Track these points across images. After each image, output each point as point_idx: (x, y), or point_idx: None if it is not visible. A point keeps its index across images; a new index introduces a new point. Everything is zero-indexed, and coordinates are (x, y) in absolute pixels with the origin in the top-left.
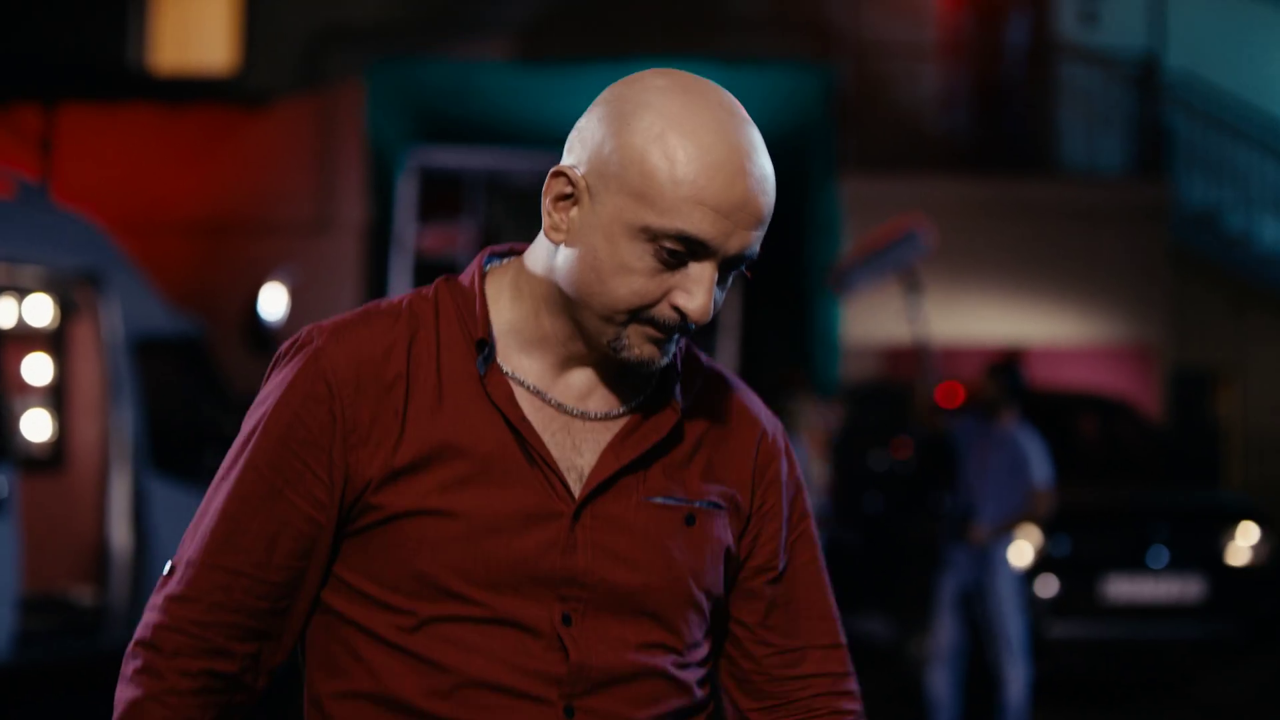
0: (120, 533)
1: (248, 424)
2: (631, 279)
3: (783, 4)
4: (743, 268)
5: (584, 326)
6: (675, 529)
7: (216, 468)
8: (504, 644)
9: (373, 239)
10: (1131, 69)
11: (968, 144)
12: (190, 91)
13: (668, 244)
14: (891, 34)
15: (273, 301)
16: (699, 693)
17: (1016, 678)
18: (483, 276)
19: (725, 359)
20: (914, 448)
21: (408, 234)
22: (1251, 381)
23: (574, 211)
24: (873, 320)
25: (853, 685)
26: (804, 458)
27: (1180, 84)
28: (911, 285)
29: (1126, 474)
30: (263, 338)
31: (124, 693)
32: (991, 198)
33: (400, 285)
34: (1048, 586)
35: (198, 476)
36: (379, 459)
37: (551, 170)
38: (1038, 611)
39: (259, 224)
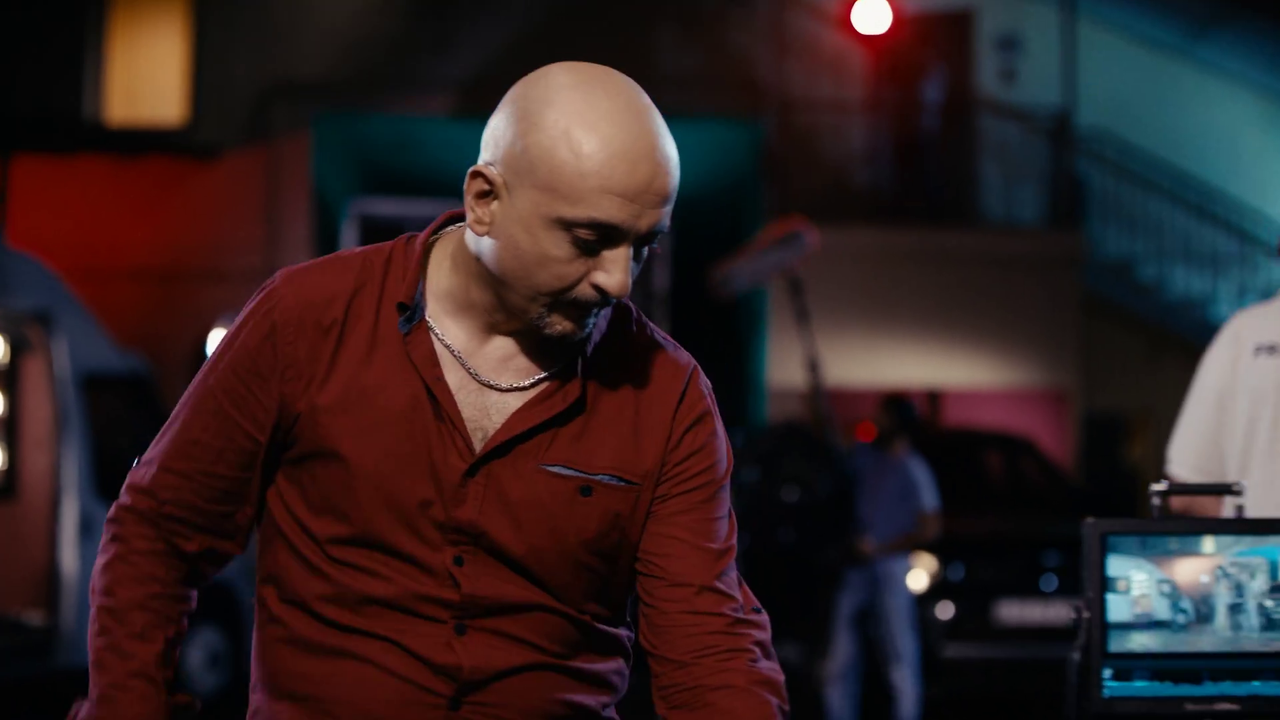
0: (69, 558)
1: (215, 350)
2: (552, 266)
3: (714, 63)
4: (653, 244)
5: (508, 304)
6: (568, 498)
7: None
8: (402, 573)
9: None
10: (1047, 123)
11: (890, 195)
12: (142, 143)
13: (582, 232)
14: (816, 91)
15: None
16: (602, 634)
17: (909, 691)
18: (431, 240)
19: None
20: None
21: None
22: (1163, 425)
23: (494, 206)
24: (794, 364)
25: (752, 627)
26: None
27: (1094, 138)
28: (793, 285)
29: (1026, 507)
30: None
31: (99, 560)
32: (912, 247)
33: None
34: (945, 610)
35: None
36: (307, 395)
37: (470, 170)
38: (935, 633)
39: (209, 271)
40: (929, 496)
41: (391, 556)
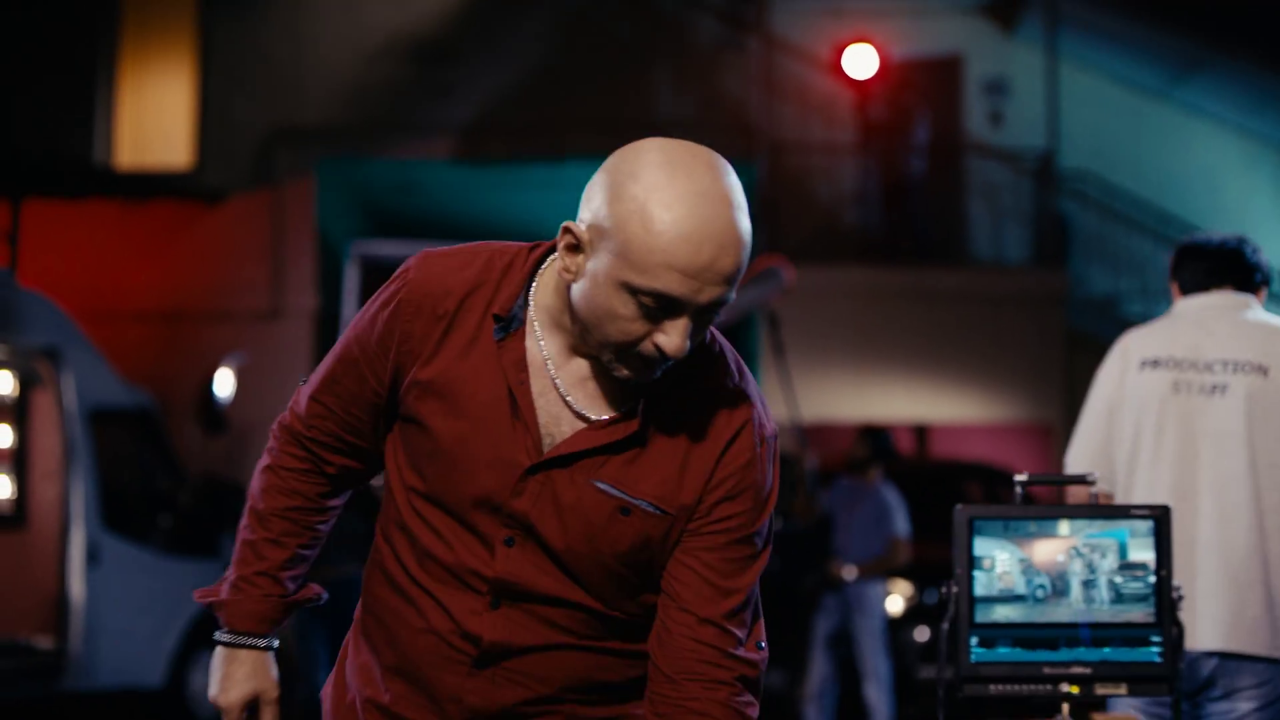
0: (77, 585)
1: (365, 308)
2: (619, 323)
3: (708, 106)
4: (717, 314)
5: (586, 341)
6: (609, 513)
7: (170, 530)
8: (460, 540)
9: (322, 325)
10: (1033, 164)
11: (879, 236)
12: (150, 188)
13: (646, 300)
14: (807, 134)
15: (224, 384)
16: (636, 625)
17: (882, 708)
18: (545, 256)
19: None
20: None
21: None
22: None
23: (579, 259)
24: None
25: (741, 664)
26: None
27: (1078, 179)
28: (770, 320)
29: None
30: (215, 417)
31: (259, 464)
32: (901, 285)
33: None
34: (920, 634)
35: (148, 536)
36: (414, 369)
37: (563, 224)
38: (911, 656)
39: (215, 312)
40: (901, 522)
41: (455, 522)
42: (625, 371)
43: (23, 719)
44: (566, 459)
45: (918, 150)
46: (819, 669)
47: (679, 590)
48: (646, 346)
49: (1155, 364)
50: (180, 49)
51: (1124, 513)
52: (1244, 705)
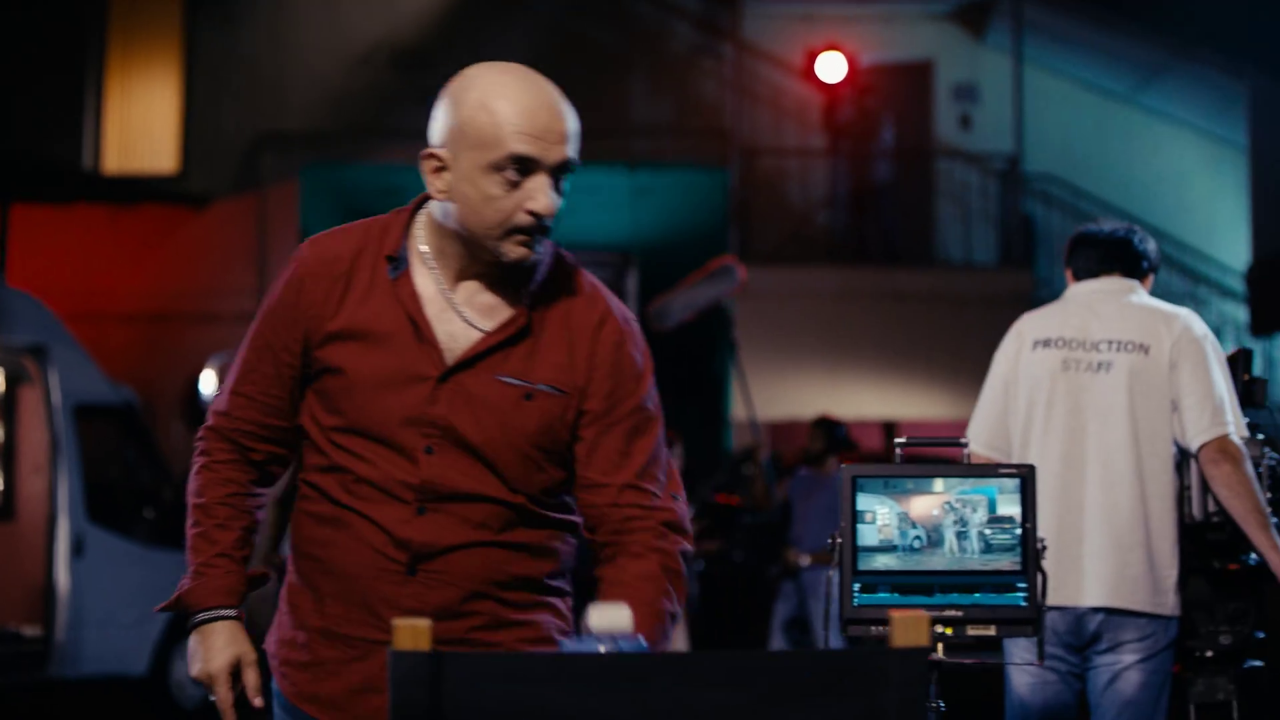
0: (63, 575)
1: (261, 307)
2: (494, 203)
3: (683, 112)
4: (567, 176)
5: (473, 246)
6: (515, 402)
7: (154, 522)
8: (386, 458)
9: None
10: (1000, 167)
11: (850, 238)
12: (137, 192)
13: (508, 172)
14: (781, 138)
15: (208, 383)
16: (543, 516)
17: None
18: (416, 209)
19: None
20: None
21: None
22: None
23: (445, 175)
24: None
25: (660, 511)
26: None
27: (1045, 182)
28: (722, 318)
29: None
30: (200, 415)
31: (191, 471)
32: (870, 286)
33: None
34: None
35: (132, 529)
36: (323, 326)
37: (422, 154)
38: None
39: (201, 314)
40: None
41: (378, 443)
42: (515, 253)
43: (11, 705)
44: (470, 361)
45: (884, 154)
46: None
47: (592, 469)
48: (521, 217)
49: (1047, 344)
50: (166, 57)
51: (993, 471)
52: (1128, 657)
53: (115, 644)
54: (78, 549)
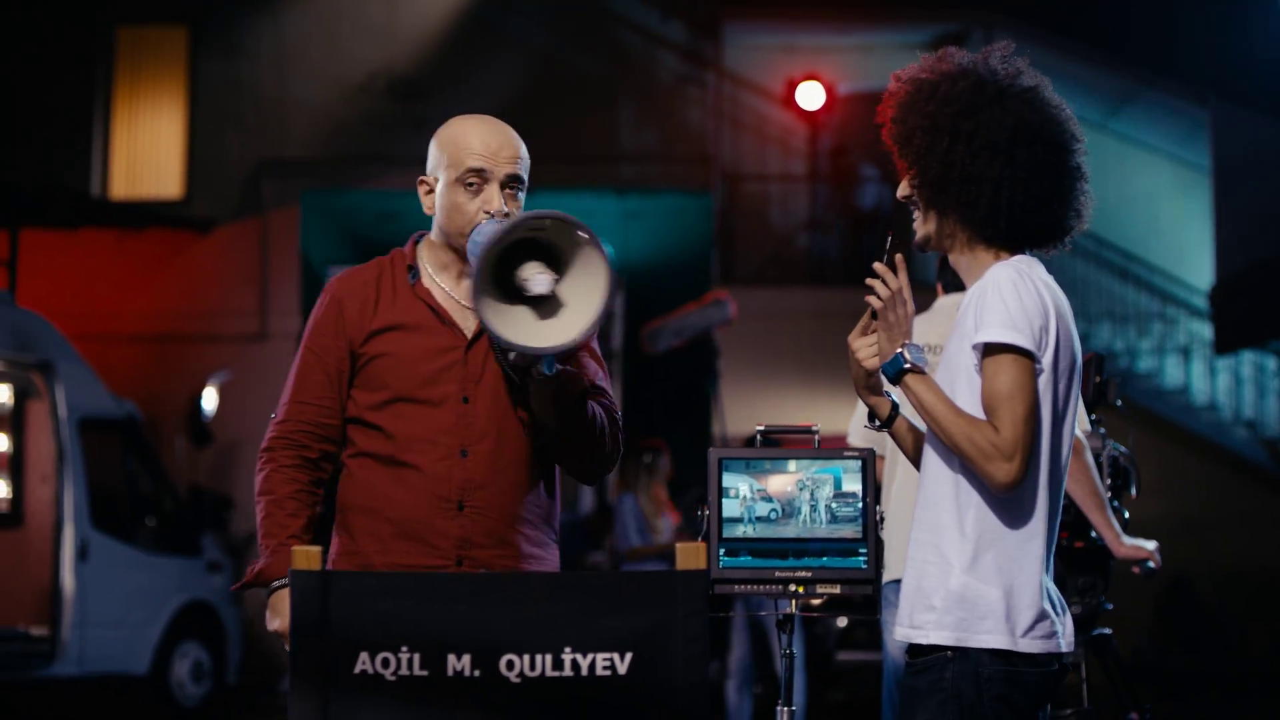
0: (69, 579)
1: (305, 334)
2: (461, 208)
3: (670, 140)
4: (520, 188)
5: (457, 252)
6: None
7: (157, 530)
8: (428, 415)
9: None
10: None
11: (830, 261)
12: (143, 217)
13: (467, 179)
14: (764, 164)
15: (210, 400)
16: (548, 463)
17: (798, 688)
18: (418, 242)
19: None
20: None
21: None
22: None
23: (431, 194)
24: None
25: (605, 405)
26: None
27: None
28: (709, 348)
29: None
30: (202, 430)
31: (257, 477)
32: (851, 308)
33: None
34: (839, 620)
35: (134, 536)
36: (364, 328)
37: (418, 180)
38: (831, 641)
39: (204, 335)
40: None
41: (421, 404)
42: None
43: (18, 701)
44: (479, 335)
45: (870, 180)
46: (738, 650)
47: None
48: (480, 216)
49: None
50: (172, 86)
51: (839, 454)
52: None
53: (118, 644)
54: (82, 554)
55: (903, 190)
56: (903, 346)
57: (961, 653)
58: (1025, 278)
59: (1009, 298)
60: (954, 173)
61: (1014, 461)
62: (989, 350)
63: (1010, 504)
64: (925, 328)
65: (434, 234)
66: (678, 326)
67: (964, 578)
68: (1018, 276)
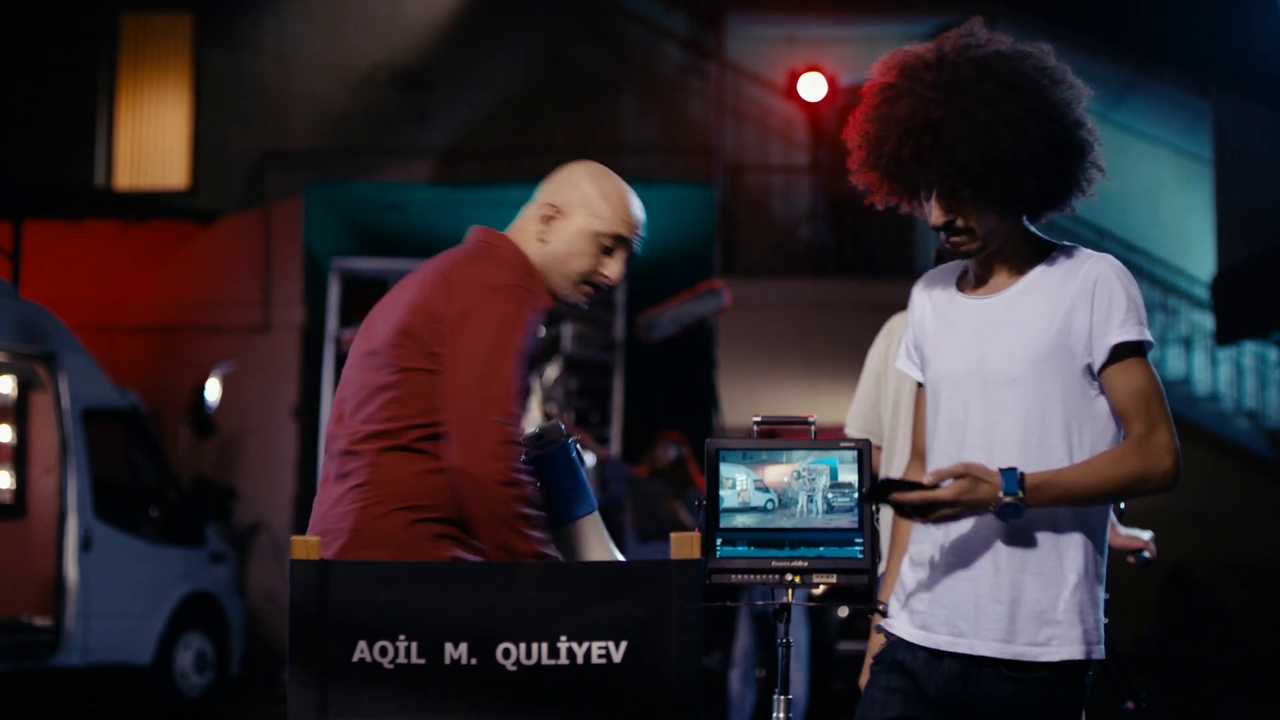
0: (72, 569)
1: (507, 327)
2: (584, 259)
3: (673, 131)
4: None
5: (549, 283)
6: None
7: (160, 521)
8: None
9: (308, 338)
10: None
11: (831, 251)
12: (147, 208)
13: (607, 242)
14: (766, 155)
15: (213, 391)
16: None
17: (800, 680)
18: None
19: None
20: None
21: (333, 332)
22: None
23: (555, 224)
24: (742, 404)
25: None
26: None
27: None
28: (704, 335)
29: None
30: (205, 421)
31: (505, 473)
32: (850, 297)
33: (328, 378)
34: (841, 611)
35: (138, 526)
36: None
37: (544, 203)
38: (832, 632)
39: (208, 325)
40: None
41: None
42: (575, 297)
43: (22, 691)
44: None
45: None
46: (743, 639)
47: None
48: (599, 277)
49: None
50: (176, 77)
51: (835, 445)
52: None
53: (121, 634)
54: (86, 544)
55: (938, 217)
56: (994, 498)
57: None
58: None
59: (1134, 292)
60: (997, 156)
61: (1176, 452)
62: (1130, 349)
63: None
64: None
65: (537, 257)
66: (673, 315)
67: (1081, 593)
68: (1125, 269)
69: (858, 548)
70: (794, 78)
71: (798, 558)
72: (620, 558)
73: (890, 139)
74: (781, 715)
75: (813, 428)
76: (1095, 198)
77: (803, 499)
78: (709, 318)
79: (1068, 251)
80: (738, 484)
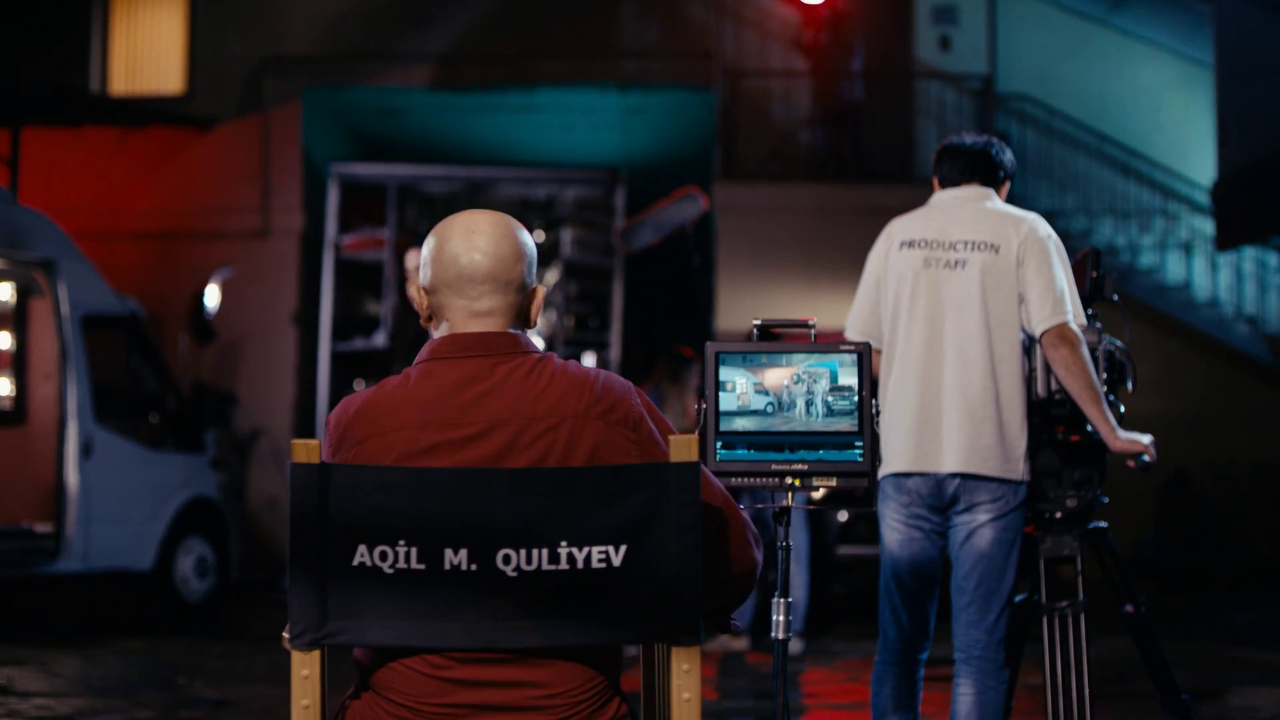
0: (72, 475)
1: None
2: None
3: (672, 35)
4: None
5: None
6: None
7: (160, 427)
8: None
9: (308, 244)
10: (976, 86)
11: (831, 155)
12: (144, 114)
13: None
14: (765, 60)
15: (212, 296)
16: None
17: (800, 584)
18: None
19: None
20: None
21: (332, 237)
22: None
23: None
24: (741, 311)
25: None
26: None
27: (1019, 101)
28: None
29: None
30: (204, 327)
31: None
32: (851, 202)
33: (327, 284)
34: (840, 515)
35: (138, 432)
36: None
37: (532, 288)
38: (830, 536)
39: (207, 232)
40: None
41: None
42: None
43: (23, 597)
44: None
45: (856, 75)
46: None
47: None
48: None
49: (911, 244)
50: None
51: (835, 348)
52: (982, 516)
53: (122, 540)
54: (86, 450)
55: None
56: None
57: None
58: None
59: None
60: None
61: None
62: None
63: None
64: (973, 225)
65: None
66: (653, 223)
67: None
68: None
69: (858, 451)
70: None
71: (797, 461)
72: None
73: None
74: (781, 618)
75: (813, 331)
76: None
77: (802, 402)
78: (688, 224)
79: None
80: (737, 387)
